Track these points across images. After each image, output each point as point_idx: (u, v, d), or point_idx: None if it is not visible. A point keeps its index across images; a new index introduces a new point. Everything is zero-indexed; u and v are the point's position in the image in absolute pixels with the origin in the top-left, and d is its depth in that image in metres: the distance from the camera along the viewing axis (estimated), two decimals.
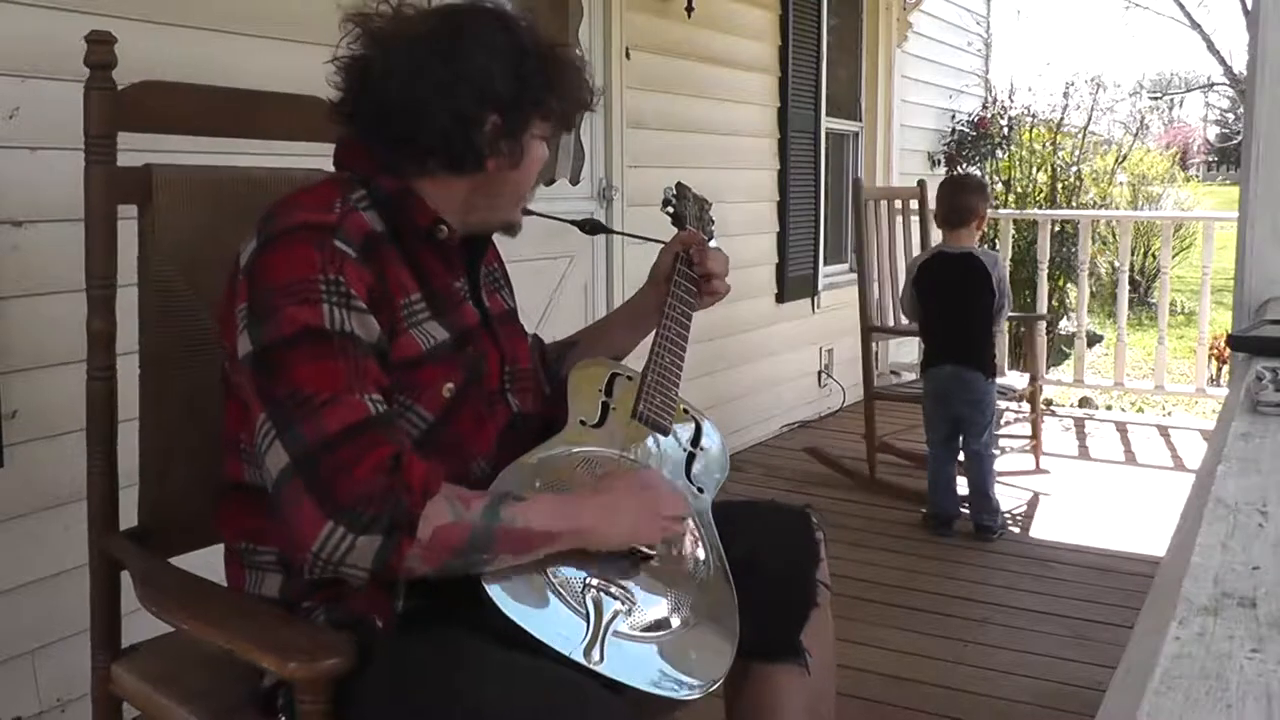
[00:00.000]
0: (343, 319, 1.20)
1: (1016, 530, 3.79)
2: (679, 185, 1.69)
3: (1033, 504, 4.10)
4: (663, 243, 1.67)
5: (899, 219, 4.65)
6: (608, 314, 1.83)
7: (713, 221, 1.71)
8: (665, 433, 1.51)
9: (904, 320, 4.43)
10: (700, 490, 1.50)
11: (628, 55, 3.91)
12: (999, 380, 3.89)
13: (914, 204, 4.73)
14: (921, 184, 4.82)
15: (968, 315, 3.72)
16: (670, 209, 1.67)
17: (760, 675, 1.45)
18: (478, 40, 1.30)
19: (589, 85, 1.41)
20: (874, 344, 4.47)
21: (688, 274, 1.61)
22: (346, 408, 1.17)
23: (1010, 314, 4.09)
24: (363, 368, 1.20)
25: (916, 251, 4.74)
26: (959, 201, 3.78)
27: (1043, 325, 5.32)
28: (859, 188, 4.39)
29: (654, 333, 1.58)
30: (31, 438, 2.06)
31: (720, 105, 4.54)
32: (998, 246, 5.93)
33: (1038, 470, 4.29)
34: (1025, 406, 4.47)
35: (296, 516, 1.15)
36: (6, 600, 2.06)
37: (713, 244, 1.66)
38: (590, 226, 1.64)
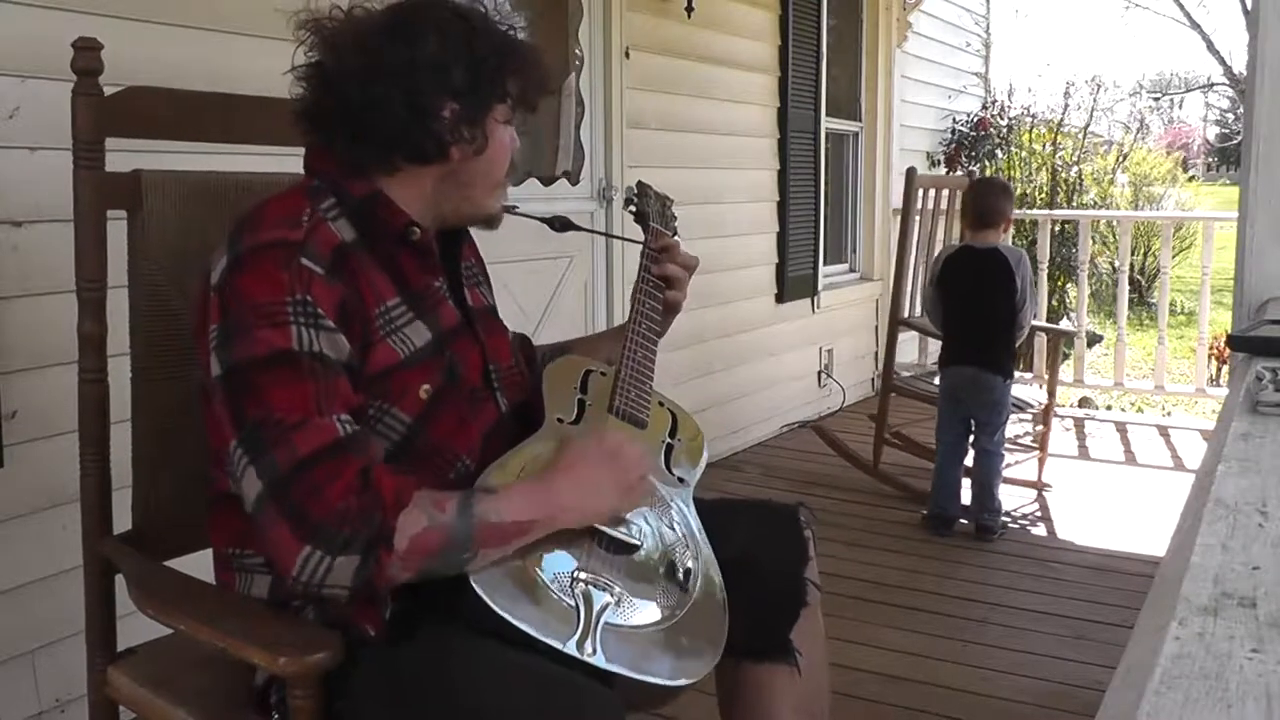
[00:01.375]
0: (311, 339, 1.20)
1: (1017, 530, 3.79)
2: (640, 184, 1.72)
3: (1033, 504, 4.10)
4: (632, 241, 1.69)
5: (941, 216, 4.61)
6: (600, 331, 1.85)
7: (675, 218, 1.73)
8: (642, 426, 1.51)
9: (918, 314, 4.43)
10: (681, 480, 1.51)
11: (628, 55, 3.91)
12: (1013, 389, 3.87)
13: (960, 195, 4.68)
14: (971, 175, 4.80)
15: (991, 313, 3.71)
16: (632, 207, 1.69)
17: (751, 675, 1.45)
18: (429, 31, 1.31)
19: (547, 69, 1.42)
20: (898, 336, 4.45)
21: (656, 270, 1.63)
22: (316, 430, 1.17)
23: (1034, 324, 4.10)
24: (332, 388, 1.20)
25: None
26: (990, 203, 3.80)
27: (1064, 339, 5.28)
28: (912, 174, 4.33)
29: (626, 327, 1.59)
30: (31, 438, 2.06)
31: (720, 105, 4.54)
32: None
33: (1040, 484, 4.28)
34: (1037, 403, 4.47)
35: (274, 543, 1.16)
36: (6, 600, 2.06)
37: (677, 239, 1.67)
38: (560, 224, 1.65)
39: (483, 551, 1.20)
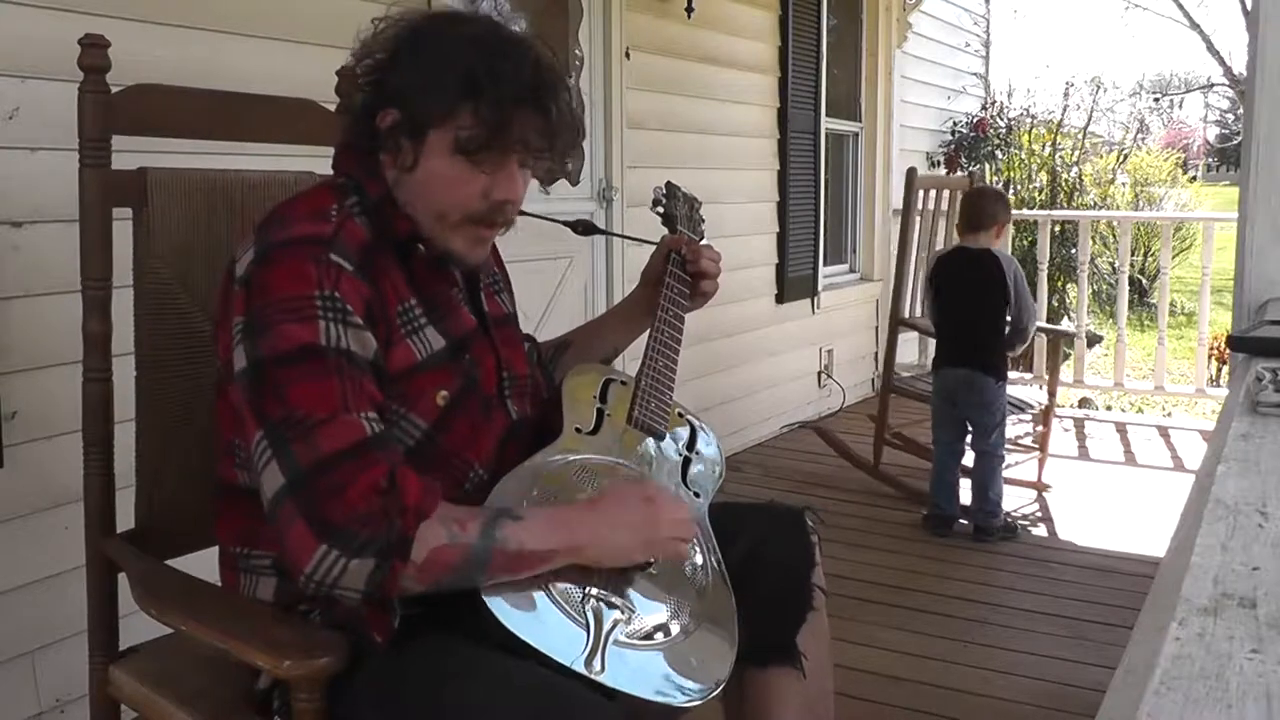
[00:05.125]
0: (339, 335, 1.19)
1: (1016, 532, 3.79)
2: (668, 184, 1.69)
3: (1032, 504, 4.10)
4: (654, 243, 1.67)
5: (942, 216, 4.61)
6: (601, 315, 1.82)
7: (703, 220, 1.70)
8: (660, 438, 1.50)
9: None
10: (697, 494, 1.50)
11: (628, 55, 3.91)
12: (1012, 391, 3.87)
13: (960, 196, 4.68)
14: (972, 175, 4.82)
15: (982, 314, 3.72)
16: (660, 209, 1.65)
17: (756, 679, 1.44)
18: (419, 38, 1.30)
19: (562, 120, 1.29)
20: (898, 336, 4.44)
21: (680, 276, 1.60)
22: (342, 428, 1.16)
23: (1041, 325, 4.10)
24: (358, 386, 1.19)
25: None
26: (978, 206, 3.84)
27: (1064, 340, 5.29)
28: (913, 174, 4.32)
29: (647, 336, 1.57)
30: (31, 438, 2.06)
31: (720, 106, 4.54)
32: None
33: (1040, 484, 4.27)
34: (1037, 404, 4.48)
35: (291, 539, 1.14)
36: (6, 600, 2.06)
37: (703, 243, 1.66)
38: (583, 227, 1.63)
39: (497, 575, 1.19)
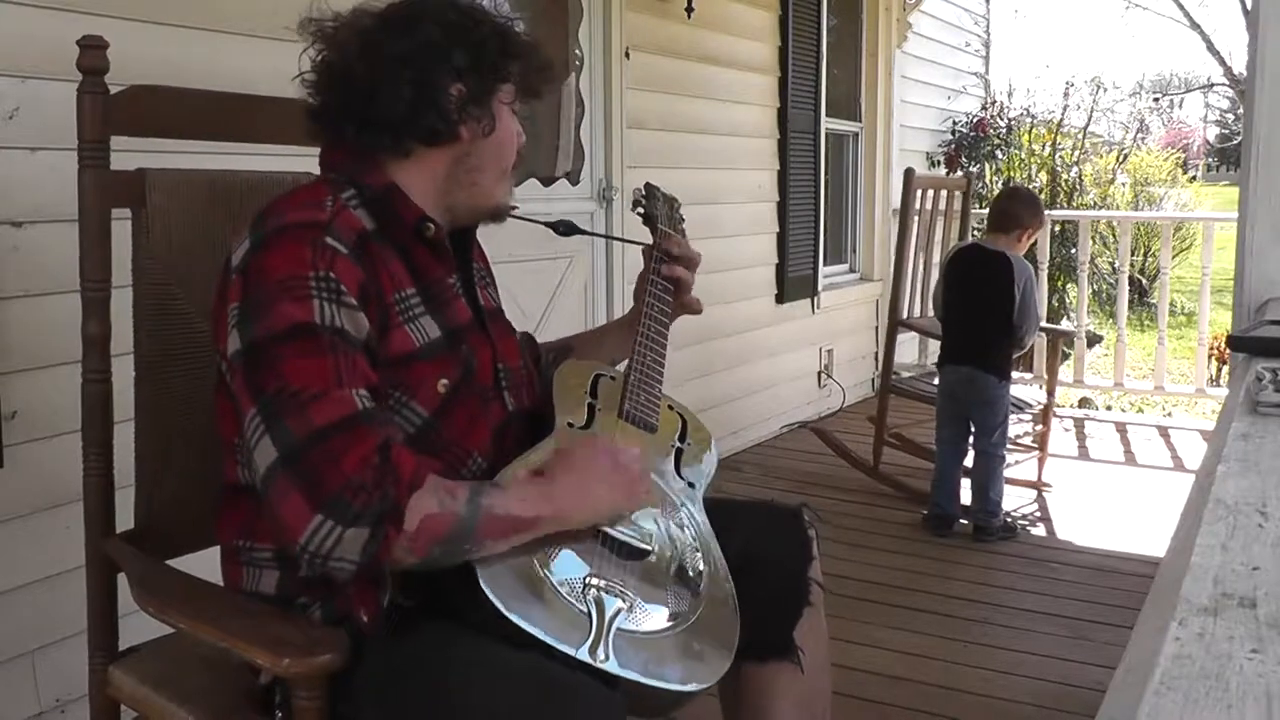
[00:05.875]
0: (333, 314, 1.21)
1: (1016, 532, 3.79)
2: (647, 185, 1.72)
3: (1032, 504, 4.10)
4: (639, 243, 1.70)
5: (940, 216, 4.61)
6: (604, 324, 1.85)
7: (683, 219, 1.73)
8: (652, 430, 1.51)
9: (930, 313, 4.42)
10: (691, 485, 1.51)
11: (628, 55, 3.92)
12: (1012, 390, 3.85)
13: (958, 196, 4.70)
14: (968, 176, 4.80)
15: (986, 313, 3.71)
16: (640, 209, 1.69)
17: (753, 674, 1.45)
18: (428, 17, 1.34)
19: (547, 56, 1.46)
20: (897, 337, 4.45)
21: (664, 273, 1.63)
22: (334, 402, 1.18)
23: (1041, 325, 4.09)
24: (351, 364, 1.21)
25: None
26: (1001, 207, 3.84)
27: (1075, 340, 5.27)
28: (910, 175, 4.33)
29: (635, 330, 1.59)
30: (31, 438, 2.06)
31: (720, 106, 4.54)
32: None
33: (1040, 484, 4.27)
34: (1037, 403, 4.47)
35: (284, 510, 1.15)
36: (6, 600, 2.06)
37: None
38: (565, 228, 1.65)
39: (487, 543, 1.21)
